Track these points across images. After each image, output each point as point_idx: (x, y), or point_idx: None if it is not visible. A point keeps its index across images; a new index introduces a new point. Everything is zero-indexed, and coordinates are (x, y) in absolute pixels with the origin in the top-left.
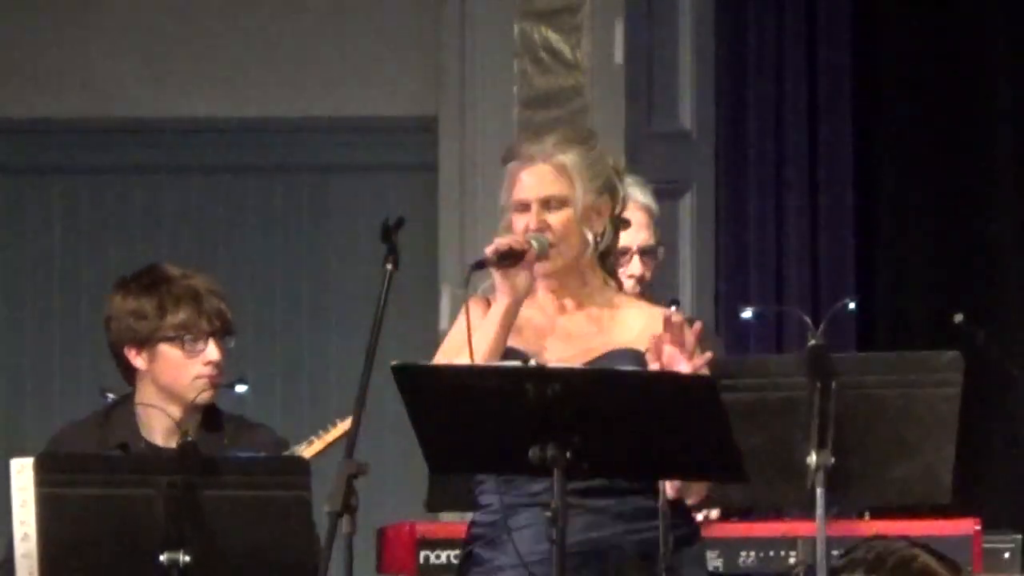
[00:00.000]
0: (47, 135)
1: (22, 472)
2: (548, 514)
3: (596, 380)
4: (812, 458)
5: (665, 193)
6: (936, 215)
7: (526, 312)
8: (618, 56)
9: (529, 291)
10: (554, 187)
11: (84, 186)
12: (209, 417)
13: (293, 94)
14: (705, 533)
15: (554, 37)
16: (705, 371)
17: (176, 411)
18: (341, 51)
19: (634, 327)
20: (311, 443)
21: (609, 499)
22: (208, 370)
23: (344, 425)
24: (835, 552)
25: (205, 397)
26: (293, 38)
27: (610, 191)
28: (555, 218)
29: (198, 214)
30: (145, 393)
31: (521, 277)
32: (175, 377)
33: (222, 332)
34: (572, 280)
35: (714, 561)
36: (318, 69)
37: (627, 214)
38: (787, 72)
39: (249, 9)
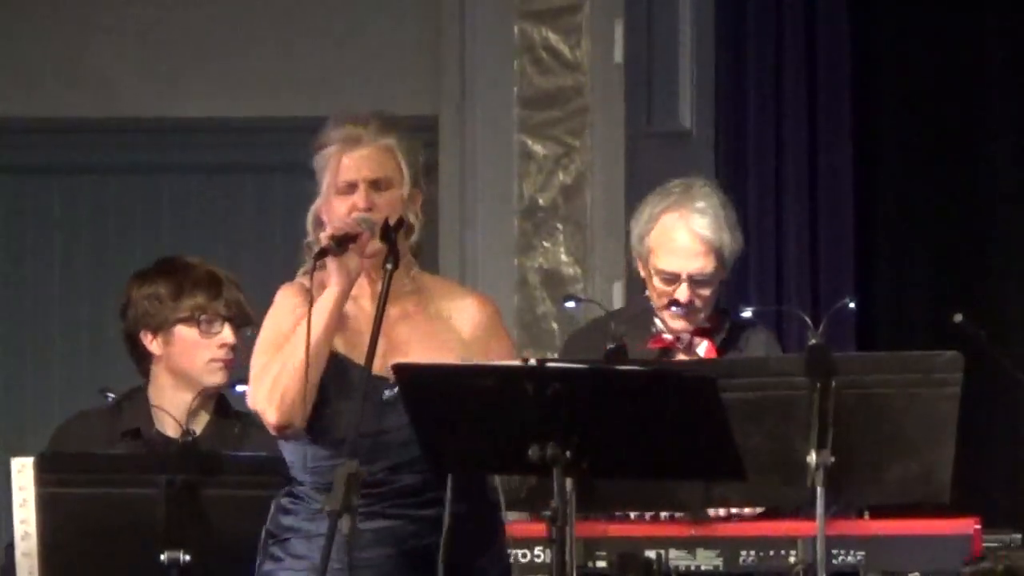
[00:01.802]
0: (47, 135)
1: (22, 471)
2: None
3: (596, 379)
4: (812, 457)
5: (725, 220)
6: (936, 215)
7: (346, 309)
8: (618, 56)
9: (359, 275)
10: (382, 168)
11: (84, 186)
12: (221, 407)
13: (293, 94)
14: (705, 533)
15: (554, 37)
16: None
17: (187, 399)
18: (341, 51)
19: (461, 325)
20: None
21: (406, 507)
22: (223, 353)
23: None
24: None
25: (218, 380)
26: (293, 38)
27: (419, 184)
28: (383, 199)
29: (198, 214)
30: (159, 381)
31: (354, 261)
32: (190, 359)
33: (239, 320)
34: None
35: (714, 560)
36: (318, 69)
37: (683, 241)
38: (787, 72)
39: (249, 9)
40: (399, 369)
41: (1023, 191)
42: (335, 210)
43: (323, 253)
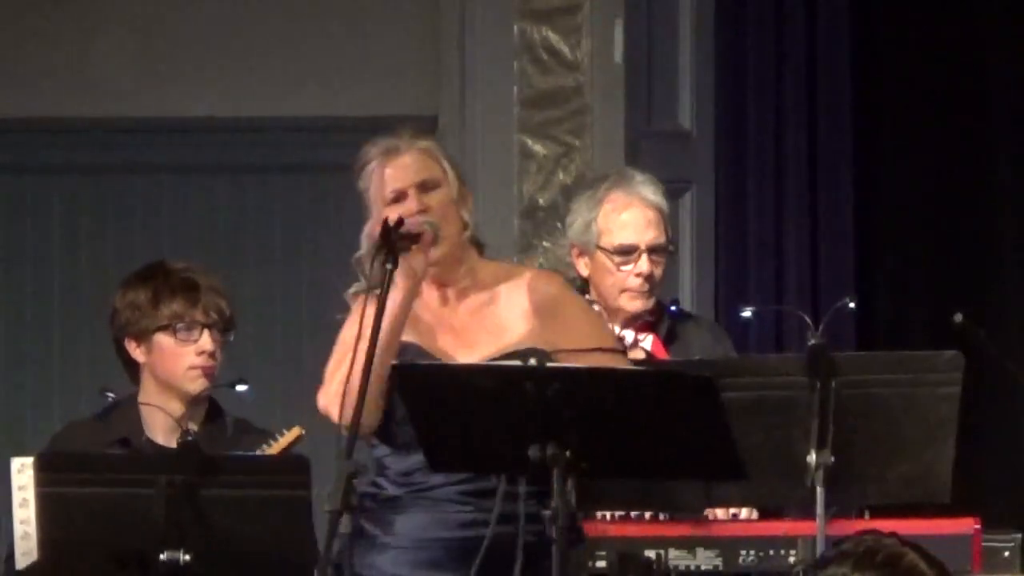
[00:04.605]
0: (47, 135)
1: (22, 471)
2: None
3: (596, 379)
4: (812, 457)
5: (665, 193)
6: (936, 215)
7: (414, 306)
8: (618, 56)
9: (425, 276)
10: (427, 170)
11: (84, 186)
12: (212, 413)
13: (293, 94)
14: (705, 533)
15: (554, 37)
16: None
17: (177, 407)
18: (341, 51)
19: (517, 308)
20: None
21: (493, 499)
22: (201, 360)
23: (291, 435)
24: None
25: (199, 388)
26: (293, 38)
27: (466, 183)
28: (434, 199)
29: (198, 214)
30: (147, 389)
31: (419, 260)
32: (170, 368)
33: (219, 326)
34: (455, 265)
35: (714, 560)
36: (318, 69)
37: (635, 212)
38: (787, 72)
39: (249, 9)
40: (399, 369)
41: (1023, 191)
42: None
43: (385, 232)
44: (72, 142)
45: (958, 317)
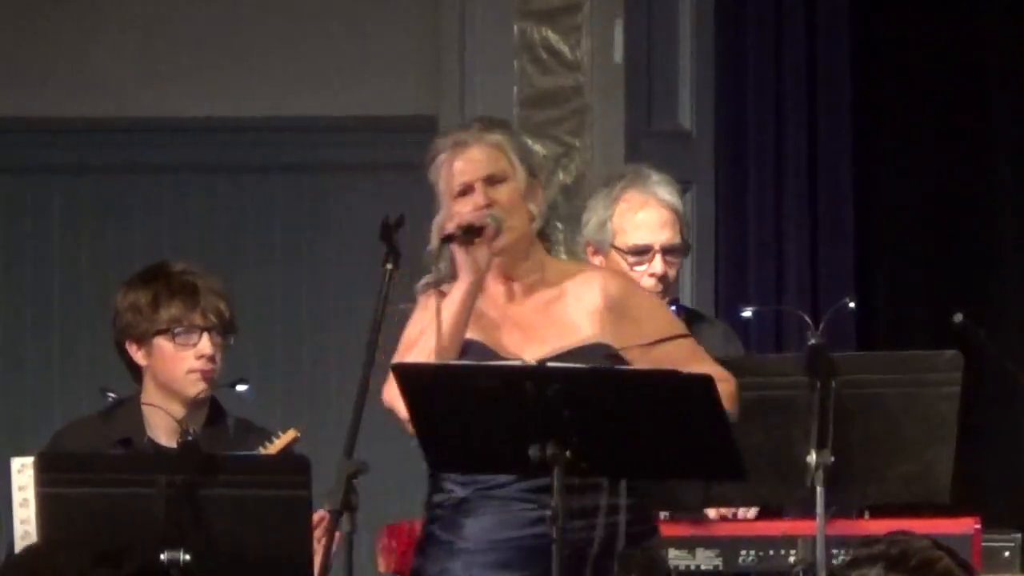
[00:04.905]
0: (47, 135)
1: (22, 471)
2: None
3: (596, 379)
4: (812, 457)
5: (680, 193)
6: (936, 215)
7: (478, 302)
8: (618, 56)
9: (489, 269)
10: (494, 165)
11: (84, 186)
12: (213, 414)
13: (293, 94)
14: (705, 532)
15: (554, 37)
16: None
17: (178, 409)
18: (341, 51)
19: (586, 306)
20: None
21: (565, 495)
22: (200, 364)
23: (287, 437)
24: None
25: (198, 391)
26: (293, 38)
27: (536, 175)
28: (500, 193)
29: (198, 214)
30: (149, 391)
31: (482, 254)
32: (170, 372)
33: (219, 329)
34: (520, 258)
35: (714, 560)
36: (318, 69)
37: (650, 212)
38: (787, 72)
39: (249, 9)
40: (399, 369)
41: (1023, 191)
42: (458, 213)
43: (449, 239)
44: (72, 142)
45: (958, 317)
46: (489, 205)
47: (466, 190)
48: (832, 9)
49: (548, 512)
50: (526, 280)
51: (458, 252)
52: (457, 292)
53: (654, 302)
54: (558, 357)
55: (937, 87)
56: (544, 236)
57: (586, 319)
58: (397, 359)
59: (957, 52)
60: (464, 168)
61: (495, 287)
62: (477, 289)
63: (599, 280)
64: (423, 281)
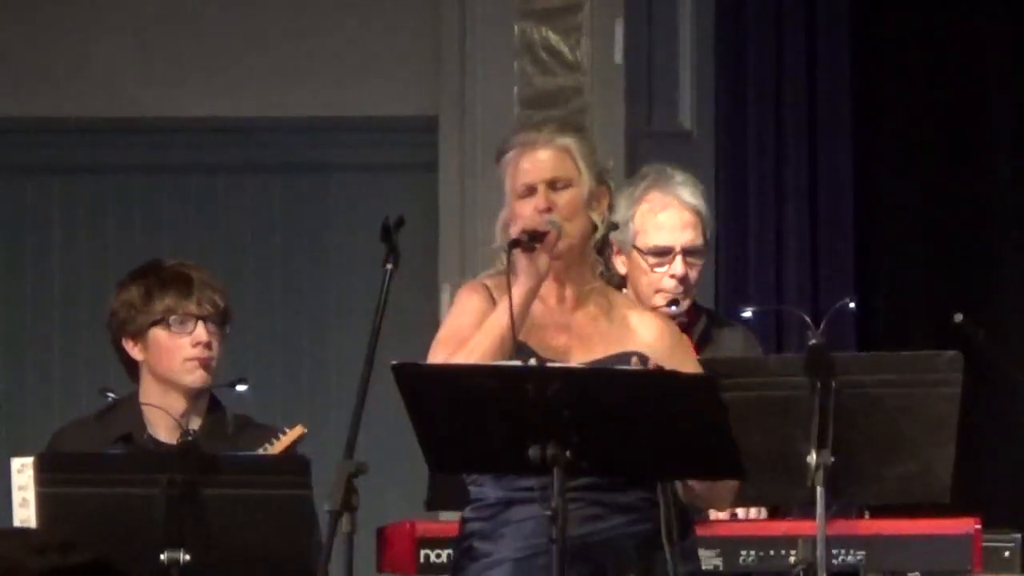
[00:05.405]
0: (47, 135)
1: (22, 471)
2: (548, 512)
3: (596, 379)
4: (812, 457)
5: (704, 194)
6: (936, 215)
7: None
8: (618, 56)
9: (548, 274)
10: (559, 169)
11: (84, 186)
12: (212, 409)
13: (293, 94)
14: (705, 533)
15: (554, 37)
16: None
17: (178, 403)
18: (341, 51)
19: (644, 336)
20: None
21: (609, 492)
22: (197, 351)
23: (294, 432)
24: (835, 551)
25: (197, 379)
26: (293, 38)
27: (604, 183)
28: (562, 199)
29: (198, 214)
30: (147, 388)
31: (543, 259)
32: (167, 363)
33: (215, 318)
34: (575, 266)
35: (714, 560)
36: (318, 69)
37: (672, 213)
38: (787, 72)
39: (249, 9)
40: (399, 369)
41: (1023, 191)
42: (519, 213)
43: (515, 244)
44: (72, 142)
45: (958, 317)
46: (549, 209)
47: (529, 191)
48: (832, 9)
49: (597, 510)
50: (578, 287)
51: (520, 257)
52: (516, 295)
53: (691, 356)
54: (601, 362)
55: (937, 87)
56: (602, 250)
57: (636, 346)
58: (440, 348)
59: (957, 52)
60: (529, 168)
61: (547, 288)
62: (535, 294)
63: (662, 322)
64: (486, 273)
